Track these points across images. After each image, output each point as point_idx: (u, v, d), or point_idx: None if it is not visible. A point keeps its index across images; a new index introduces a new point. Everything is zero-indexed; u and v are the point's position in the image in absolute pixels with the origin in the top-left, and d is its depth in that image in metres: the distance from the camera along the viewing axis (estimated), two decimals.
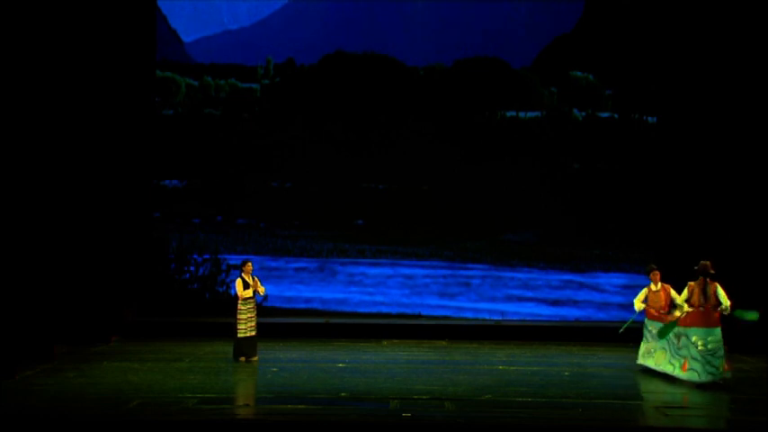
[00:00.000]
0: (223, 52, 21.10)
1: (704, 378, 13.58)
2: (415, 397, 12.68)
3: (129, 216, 18.77)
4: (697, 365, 13.61)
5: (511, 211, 20.49)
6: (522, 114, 20.71)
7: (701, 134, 18.67)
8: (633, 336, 15.50)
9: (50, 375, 14.15)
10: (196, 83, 20.90)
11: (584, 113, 20.66)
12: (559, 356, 16.72)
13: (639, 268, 19.99)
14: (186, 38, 21.02)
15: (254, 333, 15.65)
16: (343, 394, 12.87)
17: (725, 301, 13.75)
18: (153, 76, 20.08)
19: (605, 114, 20.63)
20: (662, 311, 14.71)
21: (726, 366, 13.71)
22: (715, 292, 13.76)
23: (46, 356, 15.28)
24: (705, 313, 13.74)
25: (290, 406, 12.15)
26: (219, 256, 20.49)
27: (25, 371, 14.24)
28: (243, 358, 15.54)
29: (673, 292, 14.69)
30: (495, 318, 19.82)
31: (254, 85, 20.94)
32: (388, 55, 20.81)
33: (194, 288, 20.45)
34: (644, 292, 15.07)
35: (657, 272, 15.02)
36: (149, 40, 19.72)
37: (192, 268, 20.46)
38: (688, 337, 13.76)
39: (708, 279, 13.84)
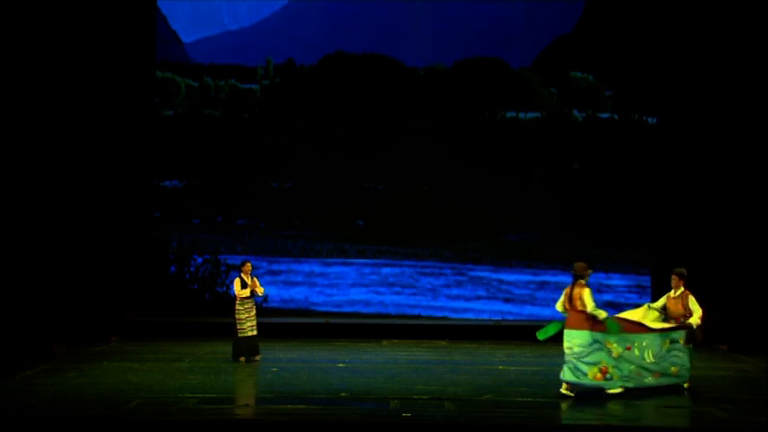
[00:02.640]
0: (223, 53, 21.12)
1: (565, 377, 12.98)
2: (415, 397, 12.68)
3: (129, 216, 18.78)
4: (567, 363, 13.07)
5: (511, 211, 20.49)
6: (522, 115, 20.72)
7: (701, 134, 18.67)
8: None
9: (50, 375, 14.15)
10: (196, 83, 20.91)
11: (584, 114, 20.66)
12: (559, 356, 16.65)
13: (639, 268, 20.01)
14: (186, 38, 21.04)
15: (254, 333, 15.62)
16: (343, 394, 12.87)
17: (588, 304, 12.93)
18: (153, 77, 20.09)
19: (605, 115, 20.64)
20: (682, 319, 13.68)
21: (598, 376, 12.86)
22: (580, 296, 12.99)
23: (46, 356, 15.28)
24: (572, 314, 13.06)
25: (290, 406, 12.15)
26: (219, 257, 20.50)
27: (25, 371, 14.23)
28: (243, 358, 15.53)
29: (692, 301, 13.65)
30: (495, 318, 19.86)
31: (254, 86, 20.95)
32: (388, 55, 20.82)
33: (194, 288, 20.46)
34: (663, 300, 13.90)
35: (676, 276, 13.74)
36: (149, 41, 19.73)
37: (191, 268, 20.47)
38: (569, 338, 13.22)
39: (578, 281, 13.07)
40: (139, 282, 19.39)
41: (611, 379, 12.99)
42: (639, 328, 13.31)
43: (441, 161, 20.46)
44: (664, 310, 13.83)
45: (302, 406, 12.11)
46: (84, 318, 17.24)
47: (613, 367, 12.99)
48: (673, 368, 13.45)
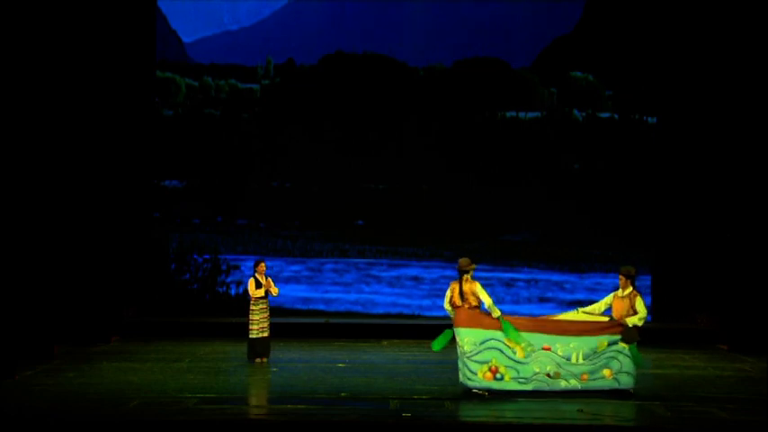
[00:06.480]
0: (223, 52, 21.13)
1: (461, 379, 12.76)
2: (415, 397, 12.67)
3: (129, 216, 18.78)
4: (459, 364, 12.83)
5: (511, 211, 20.49)
6: (522, 115, 20.73)
7: (701, 134, 18.69)
8: None
9: (50, 375, 14.14)
10: (196, 83, 20.92)
11: (584, 114, 20.67)
12: None
13: (639, 268, 20.00)
14: (186, 38, 21.05)
15: (266, 334, 15.49)
16: (343, 394, 12.87)
17: (486, 299, 12.80)
18: (153, 77, 20.10)
19: (605, 114, 20.65)
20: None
21: (488, 375, 12.60)
22: (473, 291, 12.85)
23: (46, 356, 15.27)
24: (463, 312, 12.81)
25: (289, 406, 12.15)
26: (219, 257, 20.50)
27: (25, 371, 14.23)
28: (259, 359, 15.36)
29: (638, 301, 12.89)
30: None
31: (254, 86, 20.96)
32: (388, 55, 20.83)
33: (194, 288, 20.46)
34: (609, 298, 13.23)
35: (623, 276, 13.03)
36: (149, 41, 19.73)
37: (191, 268, 20.47)
38: (460, 337, 12.93)
39: (465, 278, 12.93)
40: (139, 282, 19.39)
41: (501, 379, 12.64)
42: (561, 328, 12.76)
43: (441, 161, 20.47)
44: (609, 310, 13.07)
45: (302, 406, 12.11)
46: (84, 318, 17.24)
47: (507, 367, 12.63)
48: (606, 371, 12.74)
